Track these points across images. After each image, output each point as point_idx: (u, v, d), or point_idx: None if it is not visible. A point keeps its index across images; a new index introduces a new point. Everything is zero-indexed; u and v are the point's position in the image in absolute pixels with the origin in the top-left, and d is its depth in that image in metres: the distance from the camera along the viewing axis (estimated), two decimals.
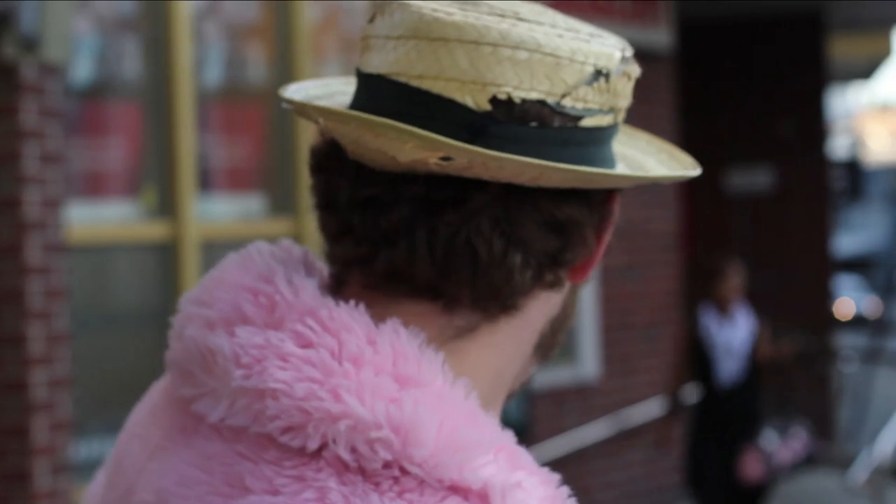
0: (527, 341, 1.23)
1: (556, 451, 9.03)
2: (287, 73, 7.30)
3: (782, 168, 13.89)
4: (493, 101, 1.13)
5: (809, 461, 9.01)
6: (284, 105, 1.22)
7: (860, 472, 10.16)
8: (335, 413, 1.09)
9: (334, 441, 1.09)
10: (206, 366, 1.16)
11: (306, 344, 1.12)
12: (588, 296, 9.51)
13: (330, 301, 1.15)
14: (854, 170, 41.37)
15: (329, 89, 1.28)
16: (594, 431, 9.76)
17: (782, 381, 11.66)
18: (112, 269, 6.69)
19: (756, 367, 8.33)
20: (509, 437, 1.14)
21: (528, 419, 8.76)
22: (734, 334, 8.30)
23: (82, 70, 6.63)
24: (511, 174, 1.13)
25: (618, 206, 1.23)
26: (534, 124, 1.14)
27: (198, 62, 6.99)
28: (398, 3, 1.17)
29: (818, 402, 13.47)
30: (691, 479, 8.40)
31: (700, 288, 8.62)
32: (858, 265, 34.03)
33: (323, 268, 1.24)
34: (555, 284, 1.20)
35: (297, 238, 6.98)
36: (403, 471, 1.09)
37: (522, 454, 1.13)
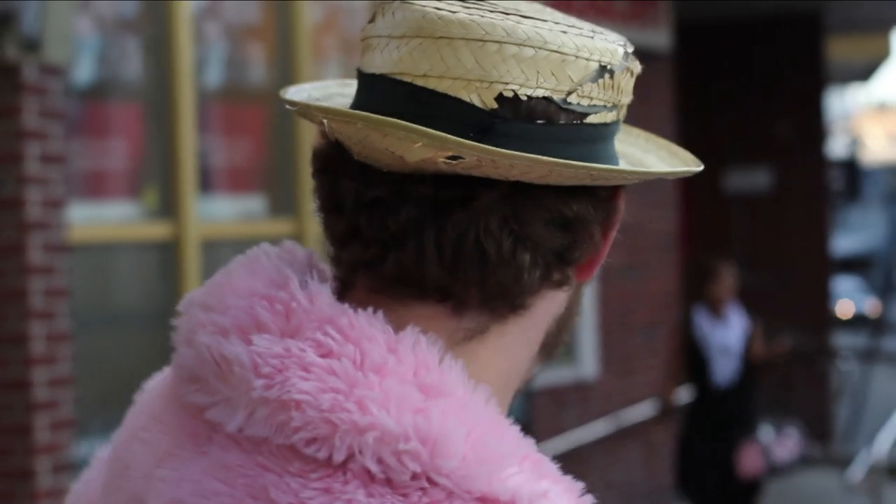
0: (534, 341, 1.22)
1: (555, 450, 9.05)
2: (287, 73, 7.31)
3: (781, 168, 13.91)
4: (500, 98, 1.12)
5: (803, 462, 9.01)
6: (288, 107, 1.21)
7: (858, 470, 10.17)
8: (362, 425, 1.08)
9: (360, 452, 1.08)
10: (221, 374, 1.14)
11: (327, 353, 1.11)
12: (587, 295, 9.52)
13: (347, 308, 1.14)
14: (852, 170, 41.40)
15: (327, 91, 1.27)
16: (593, 431, 9.78)
17: (777, 381, 11.68)
18: (113, 269, 6.71)
19: (750, 367, 8.35)
20: (532, 444, 1.13)
21: (527, 418, 8.78)
22: (728, 335, 8.32)
23: (83, 70, 6.64)
24: (520, 172, 1.12)
25: (623, 203, 1.22)
26: (540, 121, 1.14)
27: (198, 63, 7.00)
28: (400, 3, 1.16)
29: (816, 402, 13.49)
30: (682, 479, 8.41)
31: (695, 288, 8.65)
32: (856, 265, 34.03)
33: (326, 269, 1.22)
34: (562, 283, 1.19)
35: (298, 238, 6.99)
36: (431, 482, 1.08)
37: (546, 462, 1.12)
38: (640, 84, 1.23)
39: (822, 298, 14.06)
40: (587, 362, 9.89)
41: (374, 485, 1.08)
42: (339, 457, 1.08)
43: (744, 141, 13.85)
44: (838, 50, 15.56)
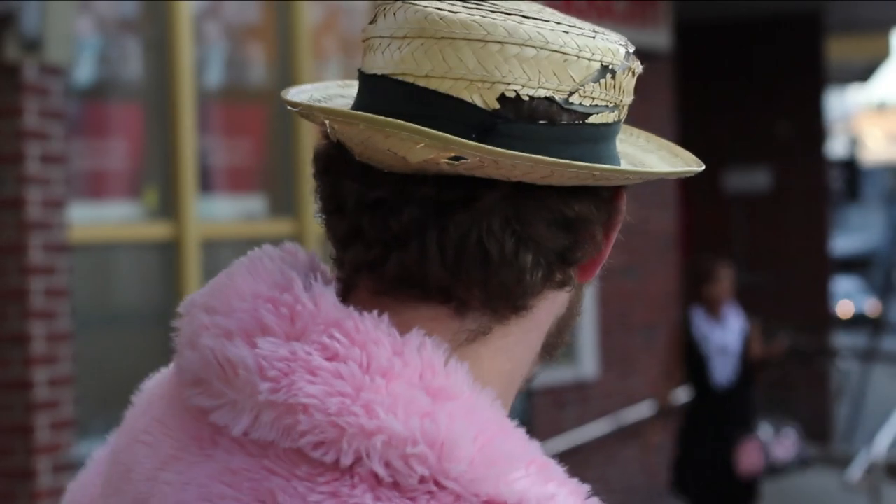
0: (536, 342, 1.22)
1: (554, 450, 9.05)
2: (287, 73, 7.32)
3: (781, 168, 13.92)
4: (502, 99, 1.12)
5: (801, 464, 9.02)
6: (290, 108, 1.20)
7: (857, 470, 10.18)
8: (370, 429, 1.08)
9: (368, 456, 1.08)
10: (225, 377, 1.13)
11: (333, 356, 1.11)
12: (587, 295, 9.51)
13: (353, 311, 1.13)
14: (852, 170, 41.41)
15: (327, 92, 1.27)
16: (592, 431, 9.78)
17: (776, 381, 11.69)
18: (114, 269, 6.71)
19: (749, 367, 8.36)
20: (538, 447, 1.13)
21: (527, 418, 8.78)
22: (726, 335, 8.33)
23: (84, 71, 6.65)
24: (522, 173, 1.12)
25: (625, 203, 1.21)
26: (542, 122, 1.13)
27: (199, 63, 7.01)
28: (401, 3, 1.16)
29: (816, 402, 13.50)
30: (680, 479, 8.41)
31: (694, 289, 8.65)
32: (856, 265, 34.06)
33: (326, 271, 1.22)
34: (564, 284, 1.19)
35: (298, 238, 7.00)
36: (439, 485, 1.08)
37: (552, 465, 1.12)
38: (640, 84, 1.23)
39: (822, 298, 14.07)
40: (587, 362, 9.90)
41: (382, 488, 1.08)
42: (346, 460, 1.08)
43: (743, 141, 13.86)
44: (838, 50, 15.57)
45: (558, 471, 1.12)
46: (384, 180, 1.14)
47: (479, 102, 1.12)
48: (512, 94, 1.12)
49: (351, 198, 1.16)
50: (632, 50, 1.20)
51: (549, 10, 1.20)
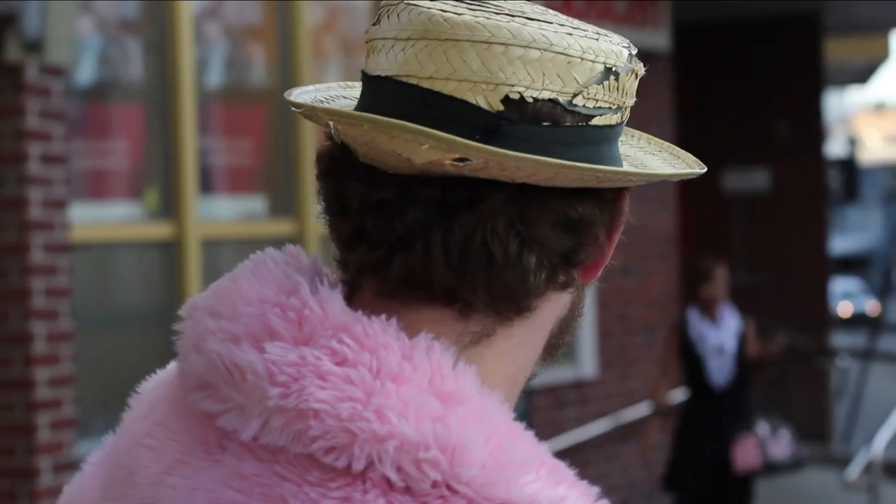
0: (538, 343, 1.22)
1: (554, 449, 9.03)
2: (288, 74, 7.33)
3: (779, 169, 13.92)
4: (506, 101, 1.12)
5: (795, 464, 9.02)
6: (294, 109, 1.19)
7: (856, 469, 10.19)
8: (381, 434, 1.08)
9: (380, 461, 1.08)
10: (233, 381, 1.13)
11: (342, 361, 1.11)
12: (587, 296, 9.51)
13: (361, 315, 1.13)
14: (850, 170, 41.42)
15: (330, 93, 1.26)
16: (592, 430, 9.79)
17: (775, 381, 11.69)
18: (115, 269, 6.72)
19: (745, 366, 8.37)
20: (547, 450, 1.13)
21: (526, 417, 8.79)
22: (723, 335, 8.34)
23: (85, 71, 6.66)
24: (526, 174, 1.12)
25: (627, 205, 1.21)
26: (546, 123, 1.13)
27: (200, 63, 7.02)
28: (405, 5, 1.15)
29: (815, 401, 13.51)
30: (676, 478, 8.41)
31: (688, 289, 8.66)
32: (855, 265, 34.07)
33: (328, 273, 1.21)
34: (567, 285, 1.20)
35: (299, 239, 7.01)
36: (451, 490, 1.08)
37: (562, 468, 1.13)
38: (640, 84, 1.23)
39: (821, 298, 14.07)
40: (586, 362, 9.91)
41: (394, 493, 1.08)
42: (358, 466, 1.08)
43: (743, 141, 13.86)
44: (837, 51, 15.57)
45: (568, 473, 1.13)
46: (388, 182, 1.14)
47: (483, 104, 1.12)
48: (516, 96, 1.12)
49: (355, 199, 1.15)
50: (634, 52, 1.20)
51: (551, 11, 1.20)
